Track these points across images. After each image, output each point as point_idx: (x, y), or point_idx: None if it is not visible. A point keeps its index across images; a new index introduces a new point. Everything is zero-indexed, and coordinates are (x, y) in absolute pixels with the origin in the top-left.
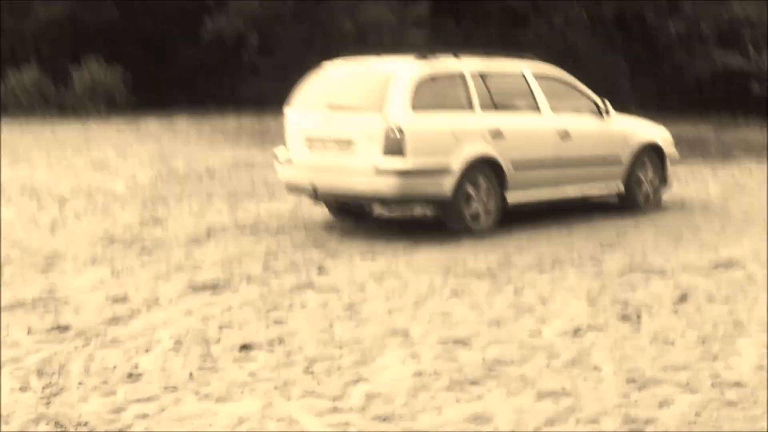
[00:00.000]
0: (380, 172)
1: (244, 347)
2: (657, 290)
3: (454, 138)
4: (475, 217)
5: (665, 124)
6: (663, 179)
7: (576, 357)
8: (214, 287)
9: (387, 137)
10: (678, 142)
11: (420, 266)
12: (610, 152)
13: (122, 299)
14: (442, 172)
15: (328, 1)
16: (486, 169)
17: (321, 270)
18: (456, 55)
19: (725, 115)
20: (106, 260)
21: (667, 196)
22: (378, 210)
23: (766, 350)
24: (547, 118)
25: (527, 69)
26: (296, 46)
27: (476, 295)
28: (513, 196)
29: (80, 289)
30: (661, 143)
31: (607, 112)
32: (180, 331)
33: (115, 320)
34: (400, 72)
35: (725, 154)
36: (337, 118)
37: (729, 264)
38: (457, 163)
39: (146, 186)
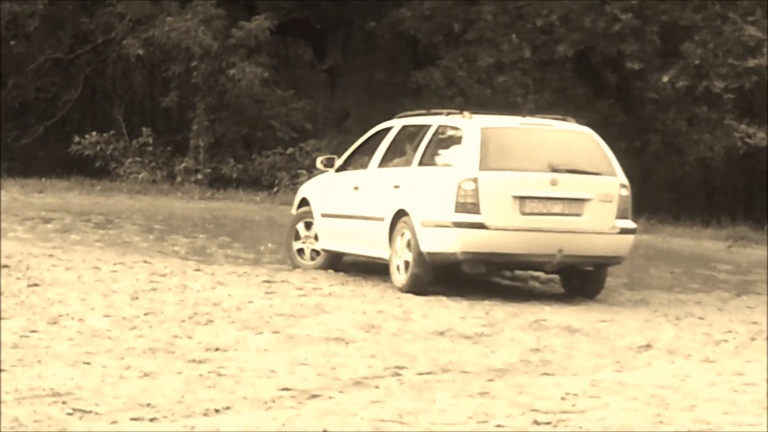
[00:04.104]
0: (624, 231)
1: None
2: None
3: None
4: None
5: (645, 231)
6: None
7: None
8: None
9: (622, 199)
10: (667, 259)
11: None
12: None
13: None
14: None
15: (103, 4)
16: None
17: None
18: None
19: (745, 220)
20: None
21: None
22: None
23: None
24: None
25: None
26: (45, 73)
27: None
28: None
29: None
30: None
31: None
32: None
33: None
34: (596, 135)
35: (743, 284)
36: (566, 179)
37: None
38: None
39: None
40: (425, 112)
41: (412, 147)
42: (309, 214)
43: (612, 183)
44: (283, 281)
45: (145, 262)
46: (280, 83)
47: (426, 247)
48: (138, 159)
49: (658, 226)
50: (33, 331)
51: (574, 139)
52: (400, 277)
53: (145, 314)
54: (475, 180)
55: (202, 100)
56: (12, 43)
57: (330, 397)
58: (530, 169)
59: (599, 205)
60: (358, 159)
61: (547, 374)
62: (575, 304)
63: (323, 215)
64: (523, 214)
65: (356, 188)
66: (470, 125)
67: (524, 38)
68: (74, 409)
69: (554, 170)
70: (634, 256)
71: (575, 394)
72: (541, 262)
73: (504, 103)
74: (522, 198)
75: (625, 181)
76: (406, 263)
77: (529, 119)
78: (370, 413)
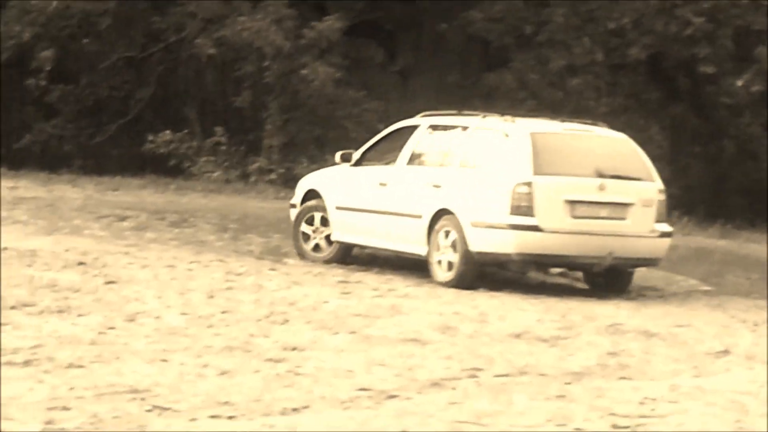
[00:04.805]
0: (663, 235)
1: None
2: None
3: None
4: None
5: (721, 237)
6: None
7: None
8: None
9: (660, 204)
10: (743, 264)
11: None
12: None
13: None
14: None
15: (175, 4)
16: None
17: None
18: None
19: None
20: None
21: None
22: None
23: None
24: None
25: None
26: (117, 72)
27: None
28: None
29: None
30: None
31: None
32: None
33: None
34: (632, 141)
35: None
36: (612, 184)
37: None
38: None
39: None
40: (456, 112)
41: (447, 147)
42: (318, 207)
43: (651, 188)
44: (358, 281)
45: (220, 260)
46: (352, 84)
47: (476, 247)
48: (211, 158)
49: (734, 231)
50: (110, 328)
51: (615, 144)
52: (443, 274)
53: (222, 313)
54: (529, 184)
55: (275, 100)
56: (85, 41)
57: (408, 398)
58: (578, 174)
59: (641, 209)
60: (374, 155)
61: (625, 378)
62: (651, 308)
63: (338, 208)
64: (574, 217)
65: (383, 184)
66: (517, 129)
67: (596, 41)
68: (153, 406)
69: (600, 175)
70: (711, 262)
71: (654, 399)
72: (590, 263)
73: (576, 107)
74: (573, 202)
75: (662, 186)
76: (450, 261)
77: (569, 124)
78: (447, 414)
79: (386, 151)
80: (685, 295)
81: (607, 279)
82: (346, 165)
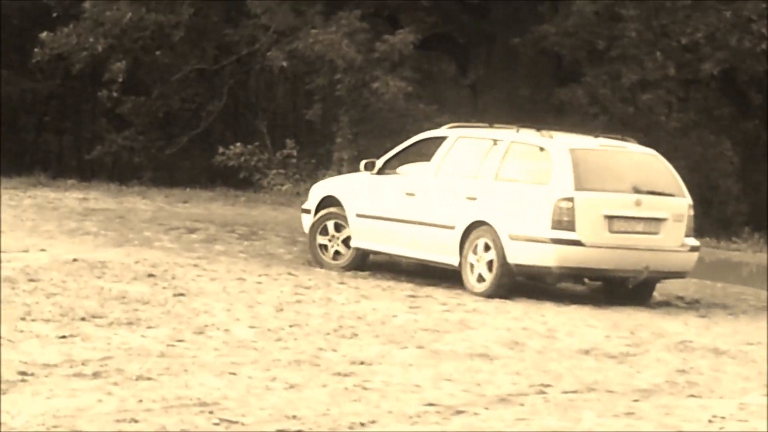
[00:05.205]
0: (692, 249)
1: None
2: None
3: None
4: None
5: None
6: None
7: None
8: None
9: (689, 219)
10: None
11: None
12: None
13: None
14: None
15: (247, 16)
16: None
17: None
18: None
19: None
20: None
21: None
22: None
23: None
24: None
25: None
26: (189, 84)
27: None
28: None
29: None
30: None
31: None
32: None
33: None
34: (662, 158)
35: None
36: (647, 199)
37: None
38: None
39: None
40: (487, 125)
41: (480, 159)
42: (335, 214)
43: (682, 203)
44: (427, 296)
45: (289, 274)
46: (423, 97)
47: (514, 259)
48: (282, 171)
49: None
50: (179, 341)
51: (647, 160)
52: (478, 285)
53: (290, 326)
54: (571, 199)
55: (346, 113)
56: (157, 53)
57: (475, 414)
58: (616, 190)
59: (673, 224)
60: (395, 164)
61: (693, 396)
62: (721, 325)
63: (359, 215)
64: (612, 232)
65: (411, 194)
66: (555, 145)
67: (669, 56)
68: (220, 419)
69: (636, 191)
70: None
71: (723, 417)
72: (626, 277)
73: (647, 122)
74: (611, 217)
75: (692, 202)
76: (485, 272)
77: (603, 140)
78: (515, 430)
79: (410, 161)
80: (755, 312)
81: (631, 290)
82: (367, 173)
